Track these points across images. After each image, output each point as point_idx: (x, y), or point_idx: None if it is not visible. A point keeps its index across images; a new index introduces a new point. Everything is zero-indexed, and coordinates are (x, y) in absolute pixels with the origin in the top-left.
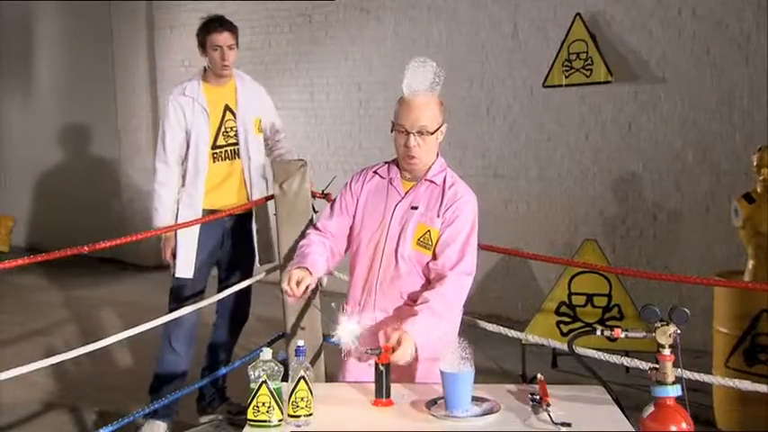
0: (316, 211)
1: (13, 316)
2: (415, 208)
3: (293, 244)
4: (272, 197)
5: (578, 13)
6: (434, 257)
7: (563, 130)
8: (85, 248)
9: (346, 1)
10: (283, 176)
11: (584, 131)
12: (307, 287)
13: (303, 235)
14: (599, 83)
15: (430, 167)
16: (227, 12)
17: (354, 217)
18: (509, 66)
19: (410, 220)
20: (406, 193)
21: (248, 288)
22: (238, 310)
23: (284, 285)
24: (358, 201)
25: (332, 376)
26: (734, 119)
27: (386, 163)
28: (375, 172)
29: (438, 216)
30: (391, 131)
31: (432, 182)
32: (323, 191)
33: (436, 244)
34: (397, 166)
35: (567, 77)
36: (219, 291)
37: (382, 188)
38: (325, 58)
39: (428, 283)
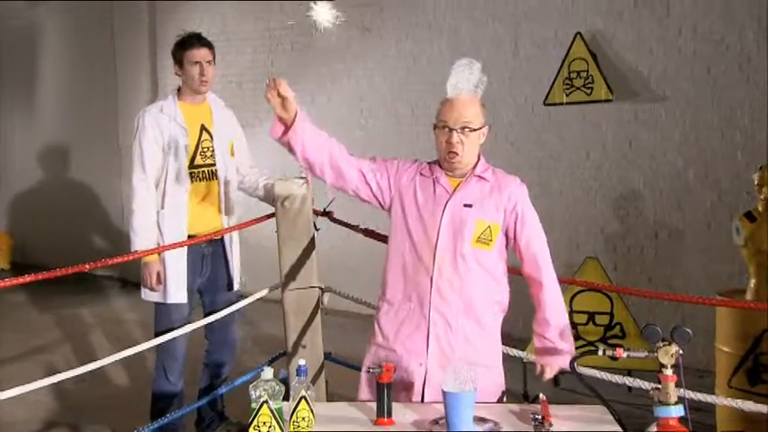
0: (317, 229)
1: (13, 334)
2: (469, 206)
3: (295, 262)
4: (272, 215)
5: (579, 32)
6: (521, 257)
7: (564, 147)
8: (86, 266)
9: (348, 19)
10: (285, 194)
11: (585, 149)
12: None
13: (305, 253)
14: (600, 101)
15: (475, 165)
16: (229, 29)
17: (388, 196)
18: (510, 84)
19: (466, 219)
20: (454, 191)
21: (235, 317)
22: (228, 335)
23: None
24: (400, 183)
25: (333, 395)
26: (735, 137)
27: (427, 163)
28: (419, 169)
29: (498, 211)
30: (434, 130)
31: (481, 177)
32: (324, 209)
33: (516, 241)
34: (439, 165)
35: (567, 96)
36: (207, 329)
37: (428, 185)
38: (327, 76)
39: (488, 281)
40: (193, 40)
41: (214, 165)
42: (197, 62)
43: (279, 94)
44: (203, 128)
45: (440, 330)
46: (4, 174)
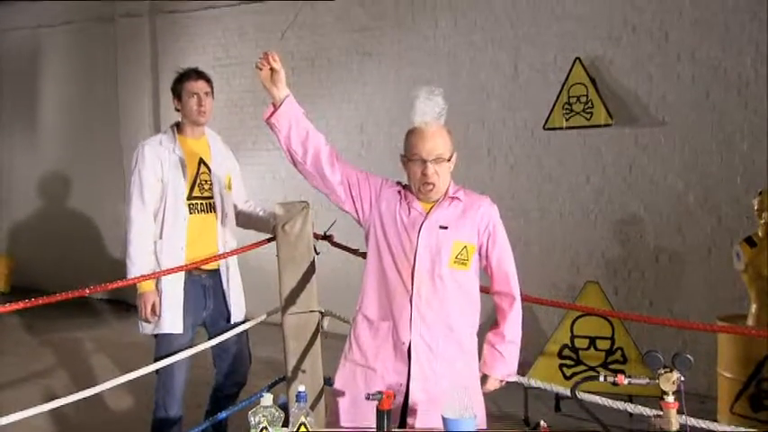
0: (318, 253)
1: (13, 357)
2: (444, 227)
3: (295, 285)
4: (273, 239)
5: (578, 57)
6: (492, 275)
7: (564, 171)
8: (86, 291)
9: (348, 45)
10: (285, 218)
11: (585, 173)
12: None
13: (305, 277)
14: (599, 126)
15: (447, 188)
16: (230, 55)
17: (368, 210)
18: (510, 108)
19: (443, 240)
20: (428, 213)
21: (246, 349)
22: (238, 372)
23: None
24: (381, 201)
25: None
26: (734, 162)
27: (399, 184)
28: (398, 190)
29: (472, 231)
30: (402, 162)
31: (453, 198)
32: (325, 232)
33: (489, 259)
34: (410, 191)
35: (567, 120)
36: (214, 354)
37: (404, 207)
38: (328, 101)
39: (466, 302)
40: (191, 73)
41: (212, 197)
42: (195, 93)
43: (270, 67)
44: (201, 161)
45: (421, 355)
46: (4, 197)
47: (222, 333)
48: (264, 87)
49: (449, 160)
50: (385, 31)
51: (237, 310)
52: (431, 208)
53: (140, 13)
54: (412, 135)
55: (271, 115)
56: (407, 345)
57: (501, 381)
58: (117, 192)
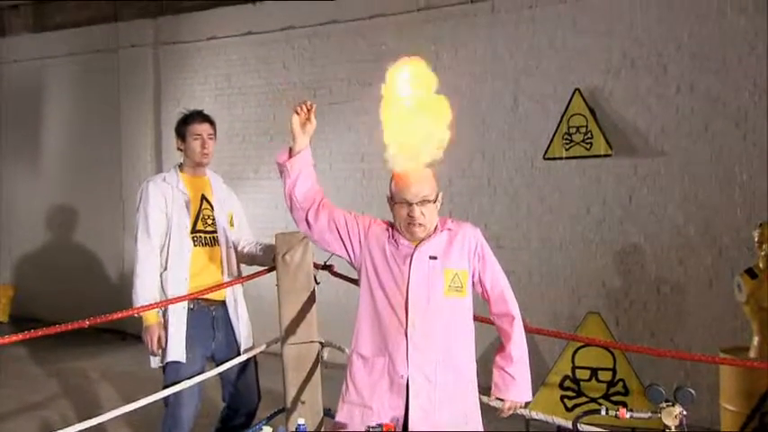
0: (318, 283)
1: (11, 389)
2: (434, 258)
3: (295, 315)
4: (273, 269)
5: (577, 89)
6: (489, 298)
7: (564, 202)
8: (86, 323)
9: (350, 75)
10: (285, 248)
11: (585, 203)
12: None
13: (305, 307)
14: (599, 156)
15: (435, 226)
16: (233, 85)
17: (358, 250)
18: (510, 138)
19: (434, 270)
20: (416, 247)
21: (254, 379)
22: (247, 403)
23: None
24: (370, 240)
25: None
26: (734, 194)
27: (387, 222)
28: (386, 227)
29: (462, 257)
30: (389, 205)
31: (444, 230)
32: (325, 262)
33: (482, 282)
34: (398, 230)
35: (567, 150)
36: (223, 386)
37: (392, 243)
38: (329, 130)
39: (464, 331)
40: (196, 116)
41: (215, 232)
42: (198, 135)
43: (307, 117)
44: (204, 197)
45: (420, 387)
46: (5, 226)
47: (232, 369)
48: (292, 130)
49: (434, 201)
50: (386, 62)
51: (246, 343)
52: (419, 242)
53: (143, 44)
54: (397, 180)
55: (287, 159)
56: (405, 378)
57: (518, 403)
58: (116, 223)
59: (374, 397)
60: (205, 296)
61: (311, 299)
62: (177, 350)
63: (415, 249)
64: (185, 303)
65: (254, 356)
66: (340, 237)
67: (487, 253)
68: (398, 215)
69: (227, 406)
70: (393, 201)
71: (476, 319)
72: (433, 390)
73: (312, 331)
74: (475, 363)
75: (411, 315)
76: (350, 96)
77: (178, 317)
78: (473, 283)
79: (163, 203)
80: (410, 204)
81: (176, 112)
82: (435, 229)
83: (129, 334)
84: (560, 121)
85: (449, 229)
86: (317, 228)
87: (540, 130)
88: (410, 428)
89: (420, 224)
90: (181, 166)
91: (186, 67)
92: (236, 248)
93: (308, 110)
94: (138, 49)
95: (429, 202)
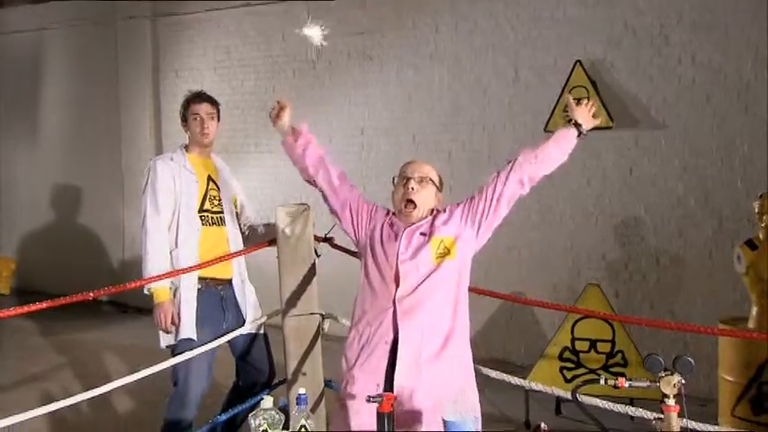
0: (318, 255)
1: (13, 361)
2: (424, 234)
3: (295, 288)
4: (273, 241)
5: (579, 60)
6: (508, 182)
7: (564, 174)
8: (90, 295)
9: (350, 48)
10: (286, 221)
11: (585, 176)
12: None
13: (305, 279)
14: (600, 128)
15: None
16: (232, 58)
17: (363, 236)
18: (510, 111)
19: (423, 242)
20: (410, 225)
21: (266, 355)
22: (258, 376)
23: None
24: (372, 223)
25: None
26: (735, 165)
27: (386, 209)
28: (385, 213)
29: (449, 227)
30: (393, 186)
31: (438, 212)
32: (325, 235)
33: (487, 203)
34: (394, 215)
35: (567, 122)
36: (238, 367)
37: (387, 224)
38: (329, 103)
39: (453, 300)
40: (195, 96)
41: (222, 212)
42: (197, 115)
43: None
44: (210, 178)
45: (406, 350)
46: (7, 201)
47: (242, 345)
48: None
49: (433, 185)
50: (386, 35)
51: (255, 324)
52: (412, 223)
53: (141, 16)
54: (402, 167)
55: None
56: (390, 342)
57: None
58: (116, 194)
59: (357, 363)
60: (212, 276)
61: (312, 271)
62: (190, 328)
63: (407, 227)
64: (196, 282)
65: (265, 333)
66: (352, 220)
67: (464, 201)
68: (396, 195)
69: (238, 380)
70: (395, 183)
71: (475, 291)
72: (420, 352)
73: (312, 303)
74: (468, 328)
75: (401, 284)
76: (350, 70)
77: (189, 295)
78: (479, 222)
79: (171, 182)
80: (408, 180)
81: (178, 87)
82: (431, 214)
83: (130, 307)
84: (561, 93)
85: (439, 211)
86: (338, 202)
87: (541, 102)
88: (395, 387)
89: (412, 200)
90: (187, 148)
91: (185, 40)
92: (241, 229)
93: (281, 109)
94: (136, 21)
95: (427, 182)
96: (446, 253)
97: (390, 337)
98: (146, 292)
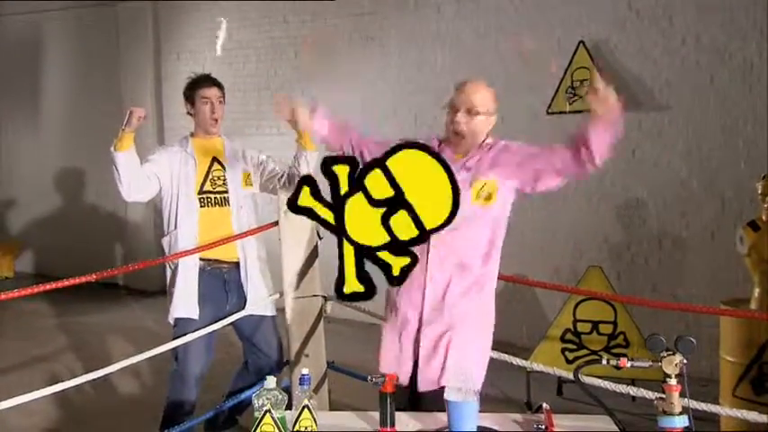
0: (321, 237)
1: (17, 342)
2: (468, 169)
3: (298, 270)
4: (276, 223)
5: (582, 41)
6: (531, 172)
7: None
8: (93, 276)
9: (351, 29)
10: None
11: None
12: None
13: (308, 261)
14: None
15: (482, 143)
16: (233, 40)
17: None
18: (513, 93)
19: (466, 180)
20: (457, 159)
21: (273, 337)
22: (265, 360)
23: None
24: None
25: (336, 404)
26: (738, 147)
27: (437, 137)
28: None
29: (490, 168)
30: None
31: (484, 145)
32: None
33: (526, 171)
34: (444, 143)
35: (570, 104)
36: (245, 349)
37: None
38: (330, 84)
39: (486, 244)
40: (205, 80)
41: (226, 192)
42: (207, 99)
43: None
44: (215, 159)
45: (434, 287)
46: (11, 184)
47: (248, 328)
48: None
49: (481, 114)
50: (387, 16)
51: (262, 307)
52: (461, 157)
53: None
54: (455, 89)
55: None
56: (423, 281)
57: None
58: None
59: (399, 293)
60: (216, 257)
61: (314, 253)
62: (186, 306)
63: (453, 161)
64: (196, 261)
65: (274, 316)
66: None
67: (512, 145)
68: (447, 123)
69: (246, 363)
70: (447, 109)
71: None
72: (444, 289)
73: (315, 285)
74: (493, 281)
75: None
76: (352, 51)
77: (188, 274)
78: (532, 186)
79: (166, 162)
80: (456, 110)
81: (175, 65)
82: (481, 147)
83: (133, 289)
84: (564, 75)
85: (491, 146)
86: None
87: (544, 83)
88: (423, 323)
89: (459, 132)
90: (193, 134)
91: (186, 22)
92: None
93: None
94: (137, 3)
95: (476, 113)
96: (488, 197)
97: (423, 276)
98: (117, 181)
